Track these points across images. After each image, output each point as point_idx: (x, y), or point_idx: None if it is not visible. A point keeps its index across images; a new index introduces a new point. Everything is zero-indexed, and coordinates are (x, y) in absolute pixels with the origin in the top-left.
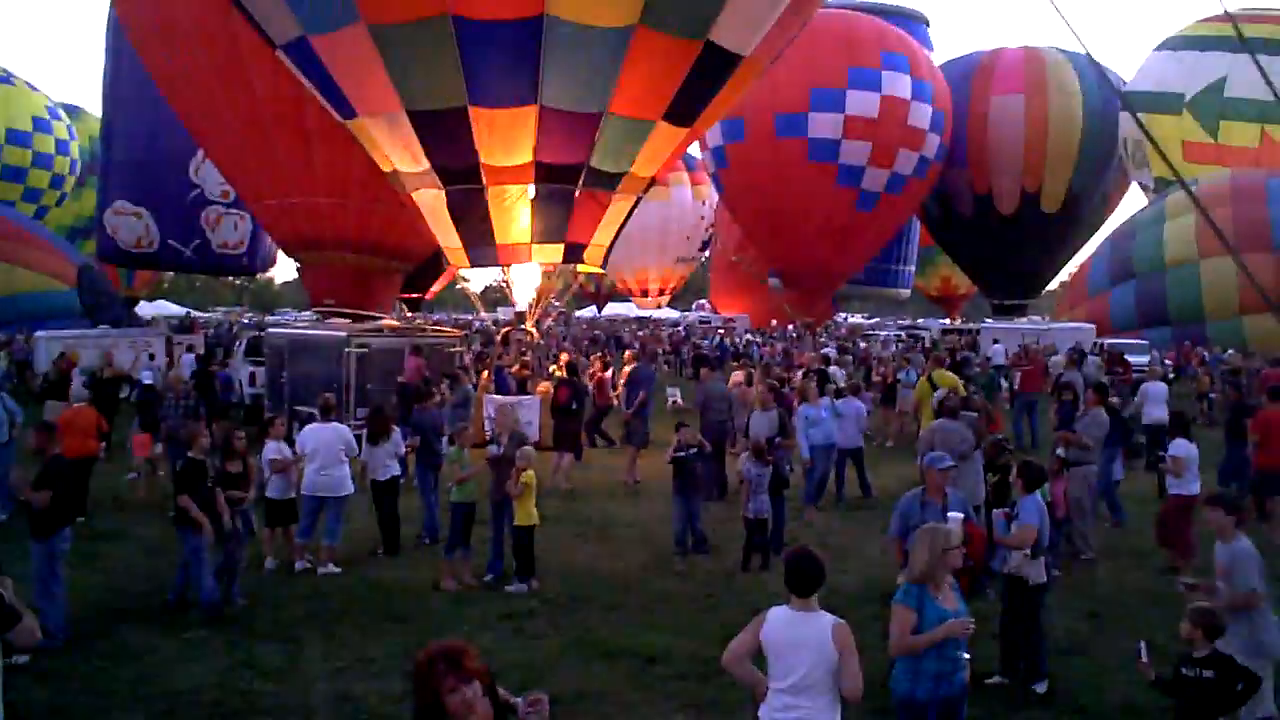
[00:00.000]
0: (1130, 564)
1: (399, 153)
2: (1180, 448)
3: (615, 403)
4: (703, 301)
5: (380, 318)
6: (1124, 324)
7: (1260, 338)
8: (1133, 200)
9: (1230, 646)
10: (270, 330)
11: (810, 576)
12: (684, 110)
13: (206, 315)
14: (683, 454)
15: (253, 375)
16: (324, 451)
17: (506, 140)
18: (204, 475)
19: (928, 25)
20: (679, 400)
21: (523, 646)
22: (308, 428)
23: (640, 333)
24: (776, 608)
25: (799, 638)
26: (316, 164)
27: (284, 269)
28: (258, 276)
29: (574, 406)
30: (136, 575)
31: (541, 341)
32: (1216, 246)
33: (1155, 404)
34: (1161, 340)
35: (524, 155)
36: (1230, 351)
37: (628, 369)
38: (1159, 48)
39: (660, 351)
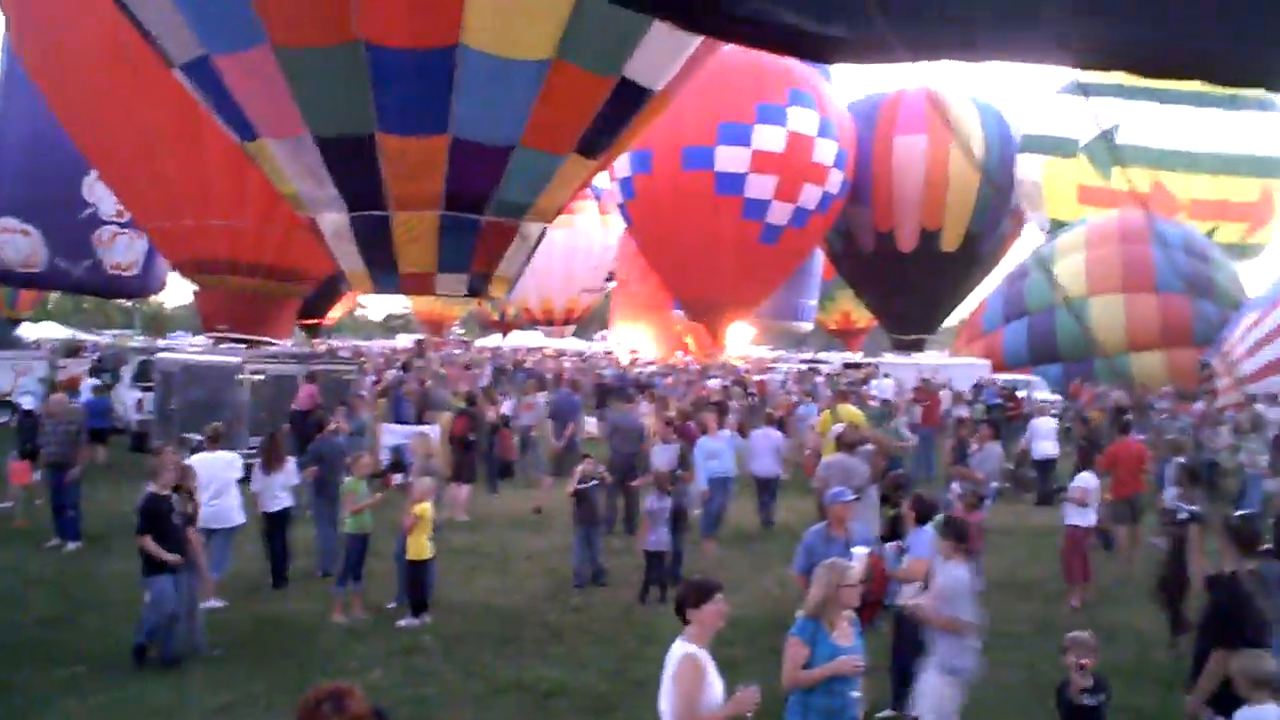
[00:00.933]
0: (1019, 595)
1: (302, 177)
2: (1084, 479)
3: (515, 457)
4: (605, 332)
5: (275, 343)
6: (1016, 361)
7: (1147, 374)
8: (1029, 241)
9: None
10: (161, 355)
11: (691, 604)
12: (595, 143)
13: (94, 338)
14: (584, 485)
15: (140, 401)
16: (212, 481)
17: (415, 169)
18: (169, 511)
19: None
20: (591, 431)
21: (414, 682)
22: (196, 456)
23: (566, 364)
24: (678, 639)
25: (670, 663)
26: (211, 185)
27: (177, 292)
28: (150, 299)
29: (471, 437)
30: (14, 606)
31: (443, 370)
32: (1105, 285)
33: (1043, 439)
34: (1052, 376)
35: (432, 184)
36: (1119, 391)
37: (529, 399)
38: (1057, 92)
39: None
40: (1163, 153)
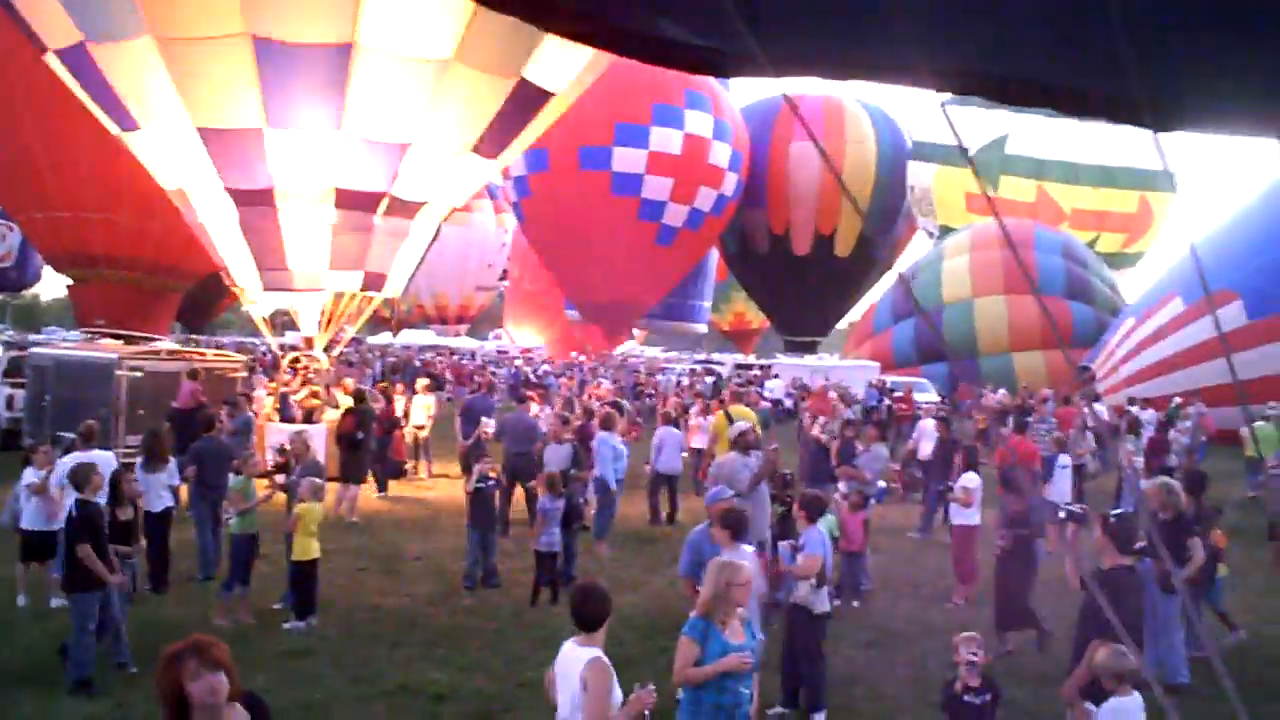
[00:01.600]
0: (906, 593)
1: (185, 170)
2: (968, 480)
3: (407, 464)
4: (499, 331)
5: (155, 339)
6: (904, 360)
7: (1028, 373)
8: (920, 246)
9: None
10: (34, 350)
11: (589, 611)
12: (493, 144)
13: None
14: (481, 485)
15: (11, 398)
16: None
17: (307, 165)
18: (102, 521)
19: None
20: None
21: (301, 687)
22: (68, 456)
23: (468, 364)
24: (568, 640)
25: (567, 671)
26: (86, 177)
27: (51, 285)
28: (23, 292)
29: (360, 436)
30: None
31: (332, 369)
32: (989, 286)
33: (930, 440)
34: (939, 376)
35: (325, 181)
36: (1001, 391)
37: (423, 399)
38: (947, 102)
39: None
40: (1047, 163)
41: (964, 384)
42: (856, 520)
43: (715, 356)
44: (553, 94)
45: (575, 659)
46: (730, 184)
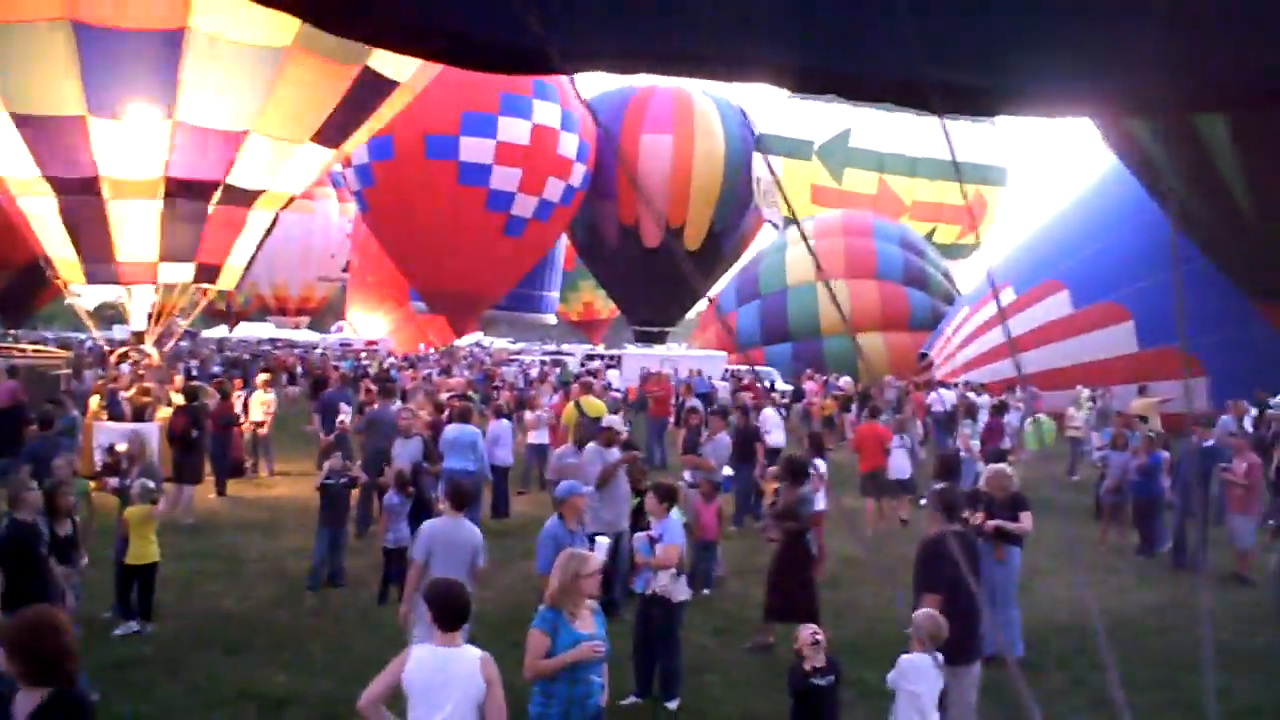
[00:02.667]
0: (756, 580)
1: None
2: (818, 467)
3: (246, 462)
4: (342, 323)
5: None
6: (749, 341)
7: (870, 353)
8: (767, 238)
9: None
10: None
11: (457, 610)
12: (334, 132)
13: None
14: (332, 480)
15: None
16: None
17: (134, 153)
18: (35, 541)
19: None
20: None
21: (134, 697)
22: None
23: (325, 357)
24: (418, 645)
25: (446, 674)
26: None
27: None
28: None
29: (194, 434)
30: None
31: (164, 365)
32: (831, 270)
33: (773, 428)
34: (783, 356)
35: (154, 170)
36: (845, 378)
37: (263, 395)
38: (792, 96)
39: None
40: (889, 156)
41: (807, 371)
42: (711, 510)
43: (564, 347)
44: (397, 83)
45: (460, 659)
46: (578, 175)
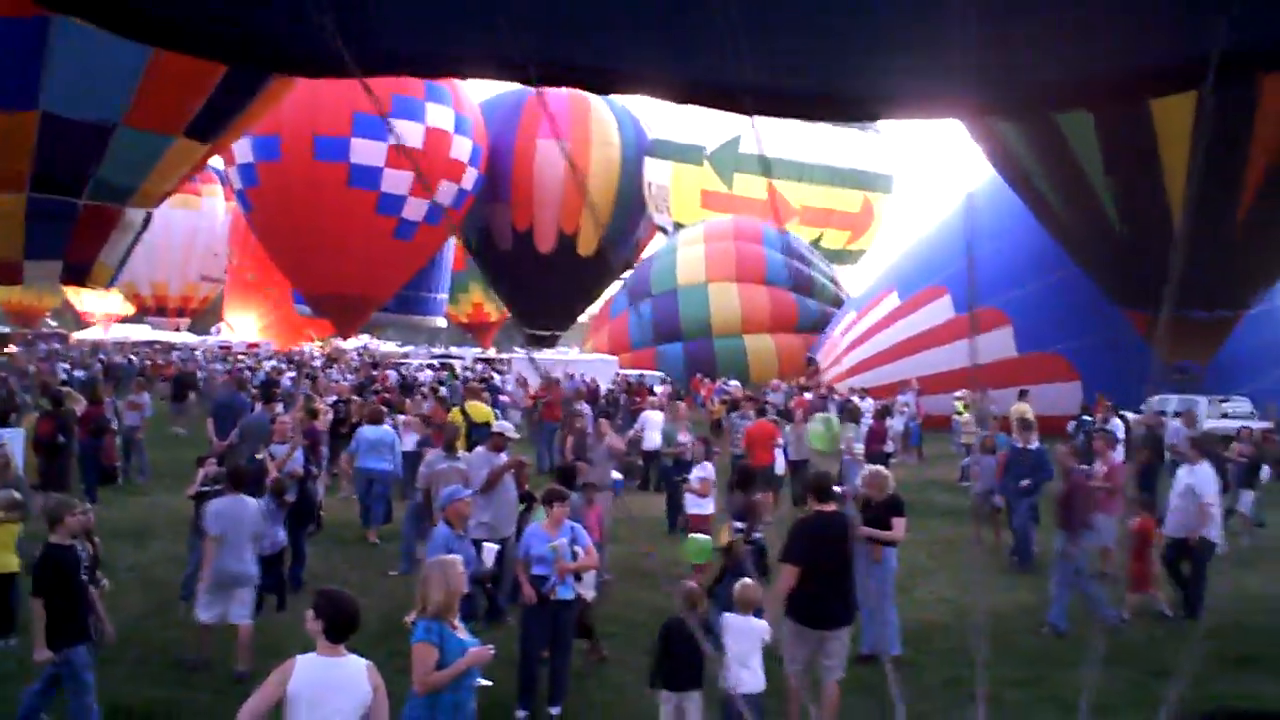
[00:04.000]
0: (641, 583)
1: None
2: (704, 470)
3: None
4: (222, 325)
5: None
6: (641, 340)
7: (759, 354)
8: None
9: None
10: None
11: (348, 621)
12: (207, 125)
13: None
14: (206, 489)
15: None
16: None
17: None
18: (76, 567)
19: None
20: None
21: None
22: None
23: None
24: (303, 655)
25: (333, 684)
26: None
27: None
28: None
29: (61, 440)
30: None
31: (31, 368)
32: (722, 273)
33: (654, 430)
34: (675, 356)
35: (18, 163)
36: (734, 382)
37: (134, 398)
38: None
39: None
40: (779, 162)
41: (697, 377)
42: (594, 513)
43: (454, 350)
44: (272, 75)
45: (345, 668)
46: (470, 178)
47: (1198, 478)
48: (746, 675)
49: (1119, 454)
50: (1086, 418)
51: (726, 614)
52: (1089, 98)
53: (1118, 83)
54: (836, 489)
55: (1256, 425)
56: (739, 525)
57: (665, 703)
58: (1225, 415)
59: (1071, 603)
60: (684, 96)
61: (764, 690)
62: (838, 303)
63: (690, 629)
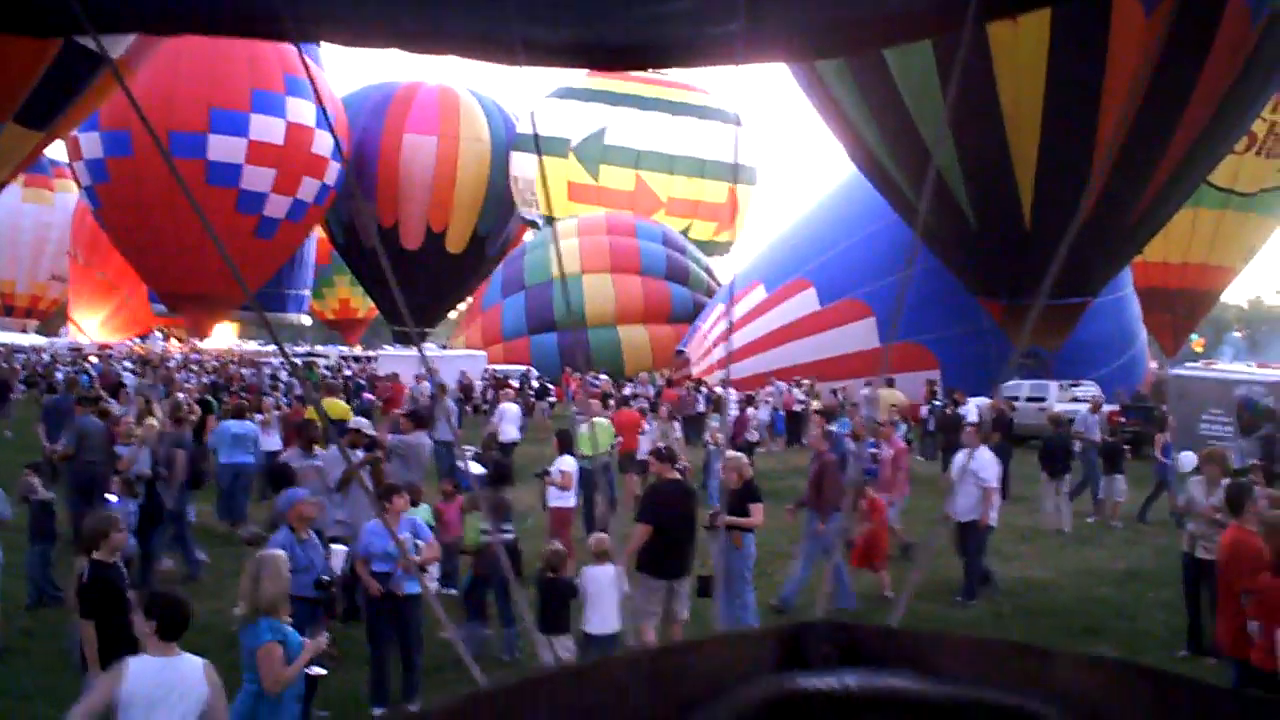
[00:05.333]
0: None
1: None
2: (565, 463)
3: None
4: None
5: None
6: (514, 331)
7: (632, 344)
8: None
9: None
10: None
11: (179, 620)
12: (39, 112)
13: None
14: (35, 496)
15: None
16: None
17: None
18: (123, 584)
19: (319, 45)
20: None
21: None
22: None
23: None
24: (135, 658)
25: (169, 684)
26: None
27: None
28: None
29: None
30: None
31: None
32: (596, 265)
33: (509, 423)
34: (549, 346)
35: None
36: (604, 376)
37: None
38: (549, 95)
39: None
40: (645, 154)
41: (567, 371)
42: (453, 508)
43: (319, 349)
44: (108, 59)
45: (180, 667)
46: (333, 173)
47: (978, 462)
48: (597, 619)
49: (900, 437)
50: (936, 403)
51: (586, 567)
52: (852, 41)
53: (877, 25)
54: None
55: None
56: (485, 527)
57: (542, 647)
58: (1075, 400)
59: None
60: (447, 49)
61: (617, 631)
62: (711, 293)
63: (558, 585)
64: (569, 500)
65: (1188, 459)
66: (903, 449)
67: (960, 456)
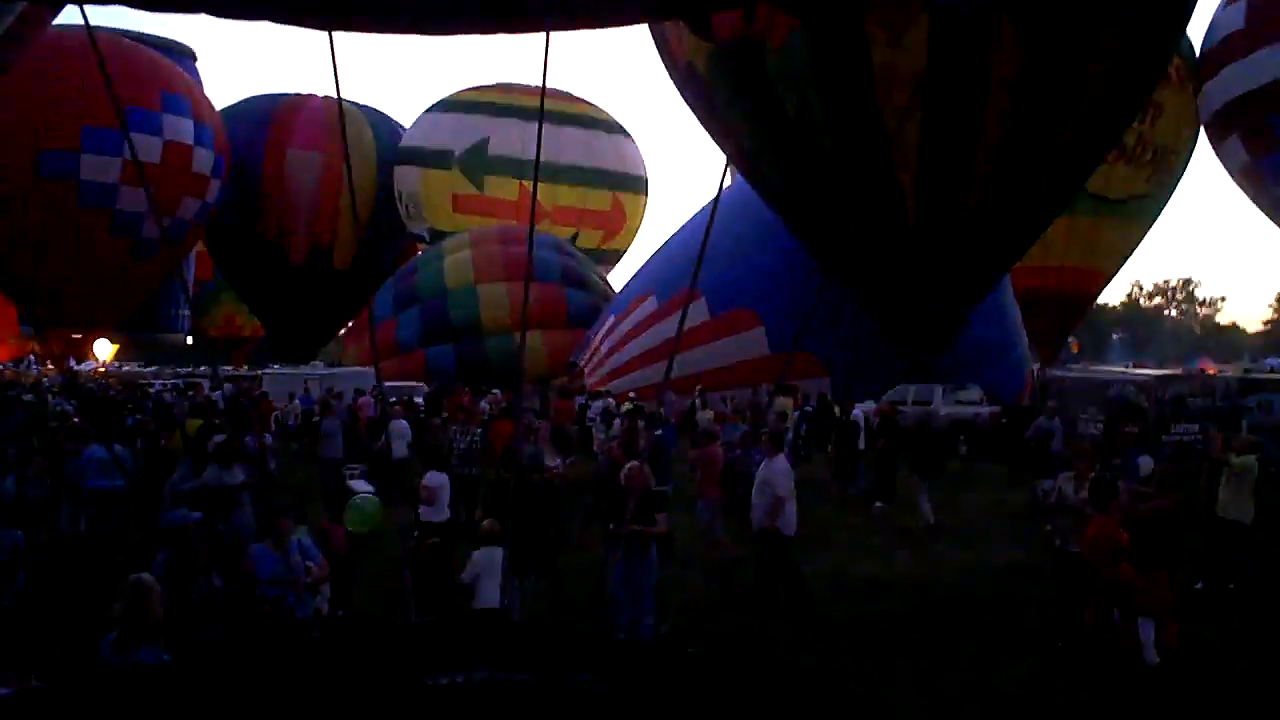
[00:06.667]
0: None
1: None
2: (431, 479)
3: None
4: None
5: None
6: (409, 346)
7: (530, 350)
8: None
9: None
10: None
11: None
12: None
13: None
14: None
15: None
16: None
17: None
18: None
19: (195, 60)
20: None
21: None
22: None
23: None
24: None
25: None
26: None
27: None
28: None
29: None
30: None
31: None
32: (491, 274)
33: (398, 439)
34: (445, 358)
35: None
36: (496, 391)
37: None
38: (430, 109)
39: None
40: (529, 163)
41: (459, 385)
42: (340, 528)
43: (202, 369)
44: None
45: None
46: (214, 191)
47: (771, 471)
48: (484, 597)
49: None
50: (808, 408)
51: (475, 551)
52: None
53: None
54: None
55: (985, 410)
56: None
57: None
58: (959, 403)
59: None
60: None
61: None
62: (607, 298)
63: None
64: (439, 515)
65: (1146, 462)
66: (715, 454)
67: (761, 470)
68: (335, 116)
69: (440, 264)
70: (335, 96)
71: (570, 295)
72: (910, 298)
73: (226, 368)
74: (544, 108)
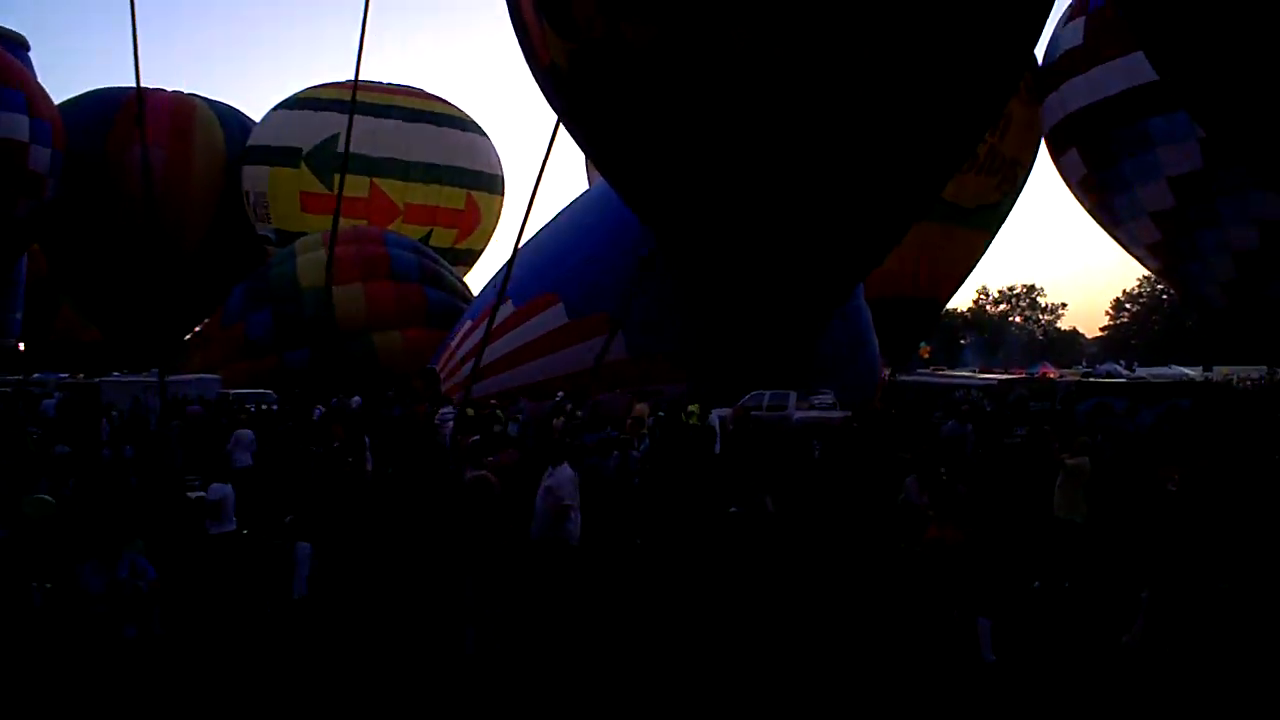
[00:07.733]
0: None
1: None
2: (217, 491)
3: None
4: None
5: None
6: (264, 344)
7: (387, 348)
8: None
9: None
10: None
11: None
12: None
13: None
14: None
15: None
16: None
17: None
18: None
19: (28, 50)
20: None
21: None
22: None
23: None
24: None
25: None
26: None
27: None
28: None
29: None
30: None
31: None
32: (347, 276)
33: (244, 449)
34: (301, 361)
35: None
36: (356, 398)
37: None
38: (278, 107)
39: None
40: (379, 161)
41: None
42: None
43: (35, 376)
44: None
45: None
46: (50, 188)
47: (556, 479)
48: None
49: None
50: (661, 413)
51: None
52: None
53: None
54: None
55: (838, 414)
56: None
57: None
58: (813, 407)
59: None
60: None
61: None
62: (465, 298)
63: None
64: (225, 527)
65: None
66: (513, 456)
67: (547, 475)
68: (183, 111)
69: (293, 265)
70: (182, 91)
71: (429, 293)
72: (771, 301)
73: (63, 374)
74: (394, 104)
